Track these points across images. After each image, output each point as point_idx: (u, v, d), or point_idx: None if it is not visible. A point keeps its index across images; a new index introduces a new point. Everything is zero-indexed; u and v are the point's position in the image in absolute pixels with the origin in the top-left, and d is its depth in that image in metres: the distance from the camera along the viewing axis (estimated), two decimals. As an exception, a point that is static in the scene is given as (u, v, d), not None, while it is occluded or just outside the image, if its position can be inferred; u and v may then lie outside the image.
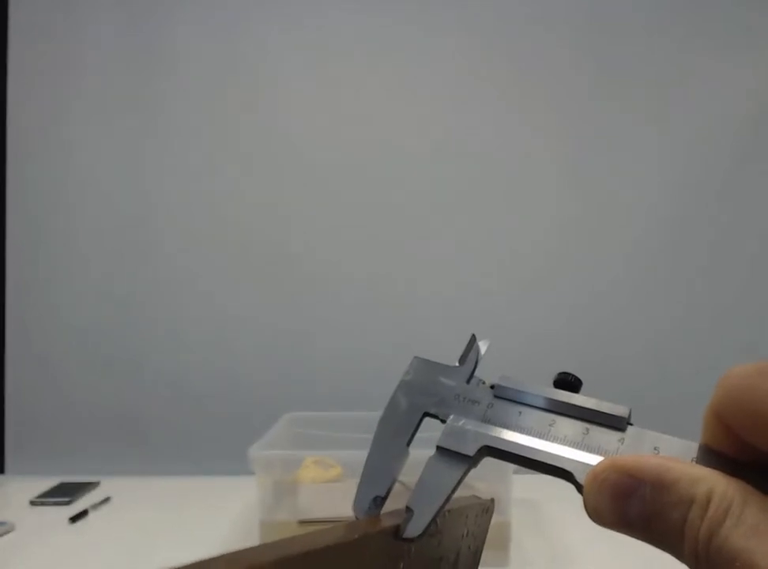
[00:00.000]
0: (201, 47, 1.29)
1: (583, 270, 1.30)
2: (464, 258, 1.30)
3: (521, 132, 1.31)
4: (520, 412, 0.26)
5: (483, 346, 0.29)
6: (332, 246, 1.30)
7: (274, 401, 1.17)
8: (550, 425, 0.26)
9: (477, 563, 0.35)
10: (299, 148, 1.30)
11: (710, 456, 0.23)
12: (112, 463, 1.24)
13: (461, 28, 1.30)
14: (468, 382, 0.28)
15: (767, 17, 1.29)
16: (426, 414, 0.28)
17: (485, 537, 0.36)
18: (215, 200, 1.30)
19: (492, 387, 0.28)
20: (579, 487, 0.23)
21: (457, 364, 0.29)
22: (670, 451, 0.23)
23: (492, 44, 1.31)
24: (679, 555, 0.21)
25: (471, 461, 0.26)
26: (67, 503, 1.07)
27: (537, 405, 0.26)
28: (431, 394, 0.28)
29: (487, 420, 0.27)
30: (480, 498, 0.35)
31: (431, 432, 0.28)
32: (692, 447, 0.23)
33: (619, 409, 0.25)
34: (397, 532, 0.26)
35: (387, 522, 0.26)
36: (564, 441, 0.25)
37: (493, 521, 0.36)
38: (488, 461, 0.27)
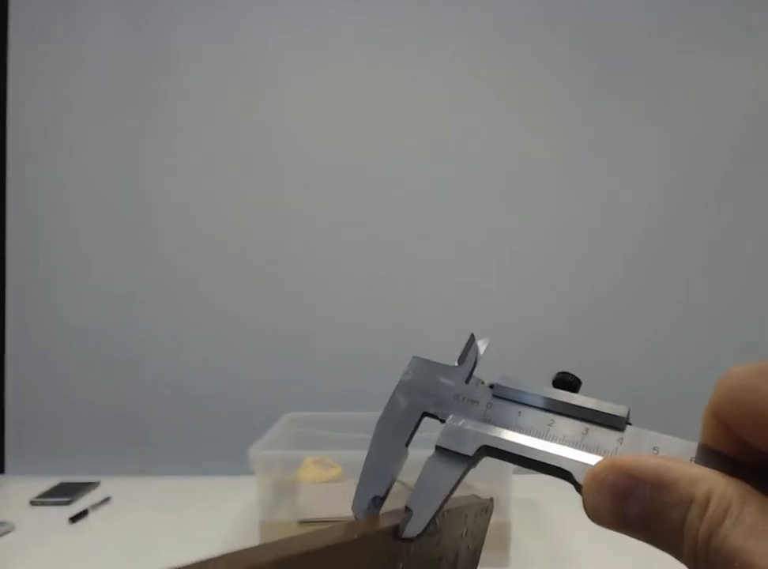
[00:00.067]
0: (201, 47, 1.29)
1: (583, 270, 1.30)
2: (464, 258, 1.30)
3: (521, 132, 1.31)
4: (519, 412, 0.26)
5: (482, 345, 0.29)
6: (332, 246, 1.30)
7: (274, 401, 1.17)
8: (549, 425, 0.26)
9: (476, 562, 0.35)
10: (299, 148, 1.30)
11: (709, 456, 0.23)
12: (112, 463, 1.24)
13: (461, 28, 1.30)
14: (467, 381, 0.28)
15: (767, 17, 1.29)
16: (425, 414, 0.28)
17: (484, 537, 0.35)
18: (215, 200, 1.30)
19: (491, 387, 0.28)
20: (578, 487, 0.23)
21: (456, 364, 0.29)
22: (669, 451, 0.23)
23: (492, 44, 1.31)
24: (678, 555, 0.21)
25: (470, 460, 0.26)
26: (67, 503, 1.07)
27: (536, 405, 0.26)
28: (430, 394, 0.28)
29: (487, 420, 0.27)
30: (479, 497, 0.35)
31: (430, 432, 0.28)
32: (691, 447, 0.23)
33: (618, 409, 0.25)
34: (396, 532, 0.26)
35: (386, 522, 0.26)
36: (563, 441, 0.25)
37: (493, 521, 0.36)
38: (488, 461, 0.27)
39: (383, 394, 0.29)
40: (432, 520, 0.26)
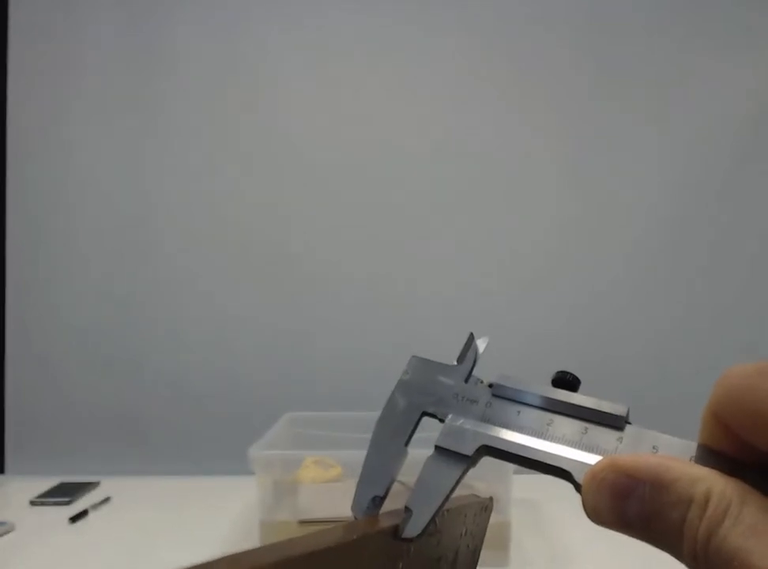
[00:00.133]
0: (201, 47, 1.29)
1: (583, 270, 1.30)
2: (464, 258, 1.30)
3: (521, 132, 1.31)
4: (518, 412, 0.26)
5: (481, 344, 0.29)
6: (332, 246, 1.30)
7: (274, 401, 1.17)
8: (548, 424, 0.26)
9: (476, 562, 0.35)
10: (299, 148, 1.30)
11: (709, 455, 0.23)
12: (112, 463, 1.24)
13: (461, 28, 1.30)
14: (466, 381, 0.28)
15: (767, 17, 1.29)
16: (424, 413, 0.28)
17: (484, 536, 0.35)
18: (215, 200, 1.30)
19: (491, 386, 0.28)
20: (578, 487, 0.23)
21: (455, 363, 0.29)
22: (668, 450, 0.23)
23: (492, 44, 1.31)
24: (678, 554, 0.21)
25: (469, 460, 0.26)
26: (67, 503, 1.07)
27: (536, 404, 0.26)
28: (430, 394, 0.28)
29: (486, 420, 0.26)
30: (478, 496, 0.35)
31: (429, 432, 0.28)
32: (691, 447, 0.23)
33: (617, 408, 0.25)
34: (396, 532, 0.26)
35: (386, 522, 0.26)
36: (562, 440, 0.25)
37: (493, 521, 0.36)
38: (488, 461, 0.27)
39: (383, 394, 0.29)
40: (432, 520, 0.26)
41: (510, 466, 0.71)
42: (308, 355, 1.29)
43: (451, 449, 0.26)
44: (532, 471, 0.25)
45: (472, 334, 0.29)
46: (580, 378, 0.27)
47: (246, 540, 0.89)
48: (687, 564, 0.20)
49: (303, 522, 0.83)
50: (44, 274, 1.30)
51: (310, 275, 1.30)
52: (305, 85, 1.30)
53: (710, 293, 1.29)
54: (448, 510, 0.28)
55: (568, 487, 0.24)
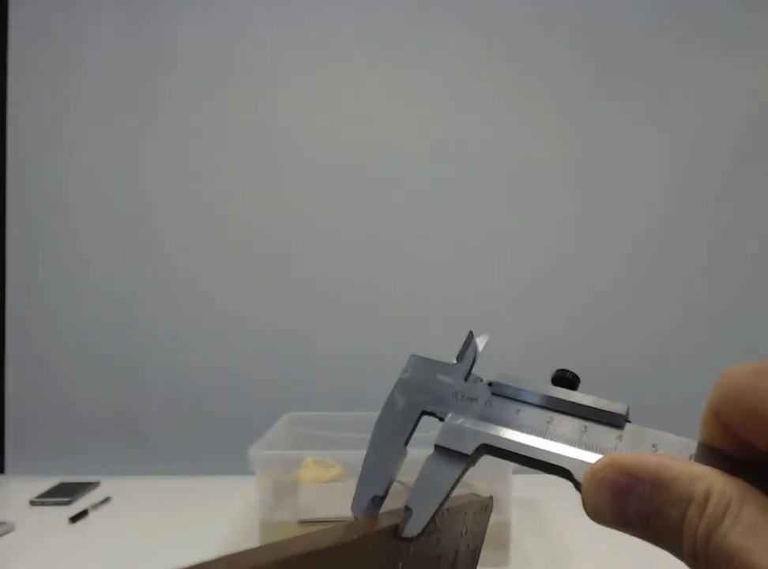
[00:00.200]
0: (201, 47, 1.29)
1: (583, 270, 1.30)
2: (464, 258, 1.30)
3: (521, 132, 1.31)
4: (518, 410, 0.26)
5: (481, 342, 0.29)
6: (332, 246, 1.30)
7: (274, 401, 1.17)
8: (548, 423, 0.25)
9: (476, 561, 0.35)
10: (299, 148, 1.30)
11: (709, 454, 0.23)
12: (112, 463, 1.24)
13: (461, 28, 1.30)
14: (466, 379, 0.28)
15: (767, 17, 1.29)
16: (424, 412, 0.28)
17: (484, 535, 0.35)
18: (215, 200, 1.30)
19: (490, 384, 0.27)
20: (578, 486, 0.23)
21: (454, 362, 0.29)
22: (668, 449, 0.23)
23: (492, 44, 1.31)
24: (677, 553, 0.21)
25: (469, 459, 0.26)
26: (67, 503, 1.07)
27: (535, 403, 0.26)
28: (429, 392, 0.28)
29: (486, 418, 0.26)
30: (478, 495, 0.35)
31: (429, 431, 0.28)
32: (690, 445, 0.23)
33: (617, 407, 0.25)
34: (395, 531, 0.26)
35: (386, 522, 0.26)
36: (562, 439, 0.25)
37: (493, 520, 0.36)
38: (488, 461, 0.27)
39: (383, 394, 0.29)
40: (432, 519, 0.26)
41: (510, 465, 0.71)
42: (308, 355, 1.29)
43: (451, 448, 0.26)
44: (533, 470, 0.25)
45: (471, 332, 0.29)
46: (580, 377, 0.27)
47: (246, 540, 0.89)
48: (686, 563, 0.20)
49: (303, 522, 0.83)
50: (44, 274, 1.30)
51: (310, 275, 1.30)
52: (305, 85, 1.30)
53: (710, 293, 1.29)
54: (448, 510, 0.28)
55: (568, 486, 0.24)
